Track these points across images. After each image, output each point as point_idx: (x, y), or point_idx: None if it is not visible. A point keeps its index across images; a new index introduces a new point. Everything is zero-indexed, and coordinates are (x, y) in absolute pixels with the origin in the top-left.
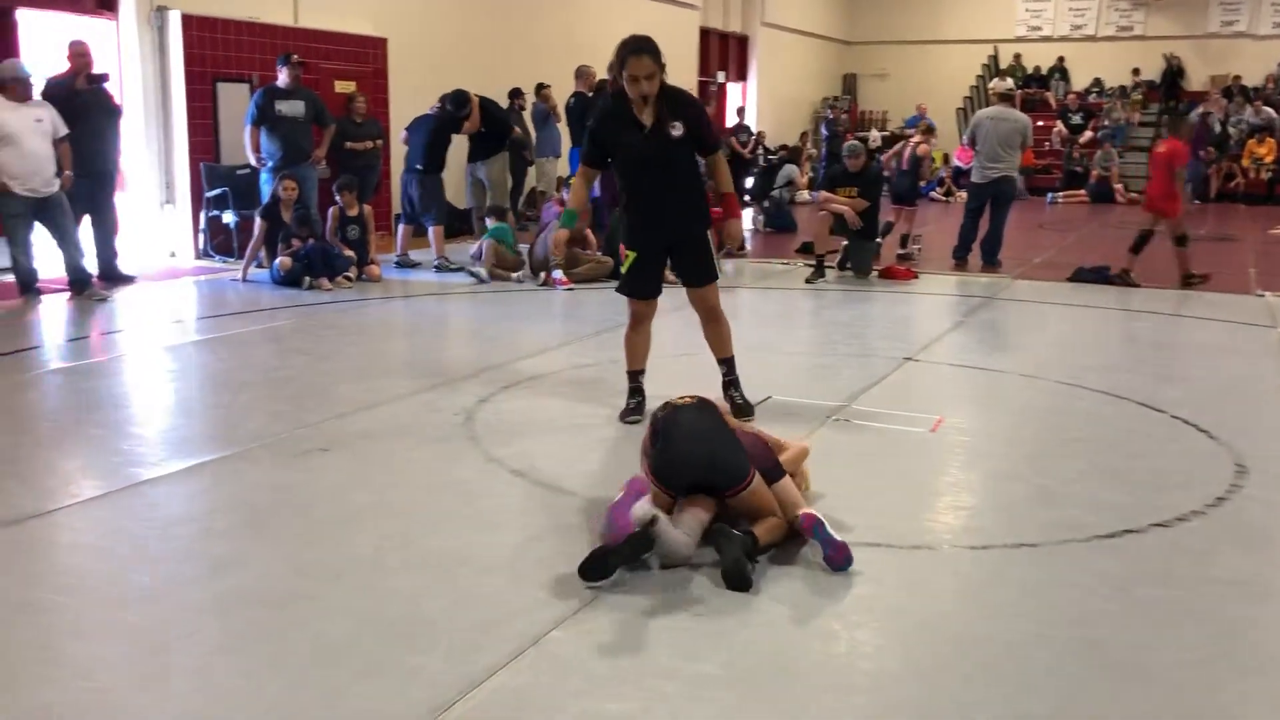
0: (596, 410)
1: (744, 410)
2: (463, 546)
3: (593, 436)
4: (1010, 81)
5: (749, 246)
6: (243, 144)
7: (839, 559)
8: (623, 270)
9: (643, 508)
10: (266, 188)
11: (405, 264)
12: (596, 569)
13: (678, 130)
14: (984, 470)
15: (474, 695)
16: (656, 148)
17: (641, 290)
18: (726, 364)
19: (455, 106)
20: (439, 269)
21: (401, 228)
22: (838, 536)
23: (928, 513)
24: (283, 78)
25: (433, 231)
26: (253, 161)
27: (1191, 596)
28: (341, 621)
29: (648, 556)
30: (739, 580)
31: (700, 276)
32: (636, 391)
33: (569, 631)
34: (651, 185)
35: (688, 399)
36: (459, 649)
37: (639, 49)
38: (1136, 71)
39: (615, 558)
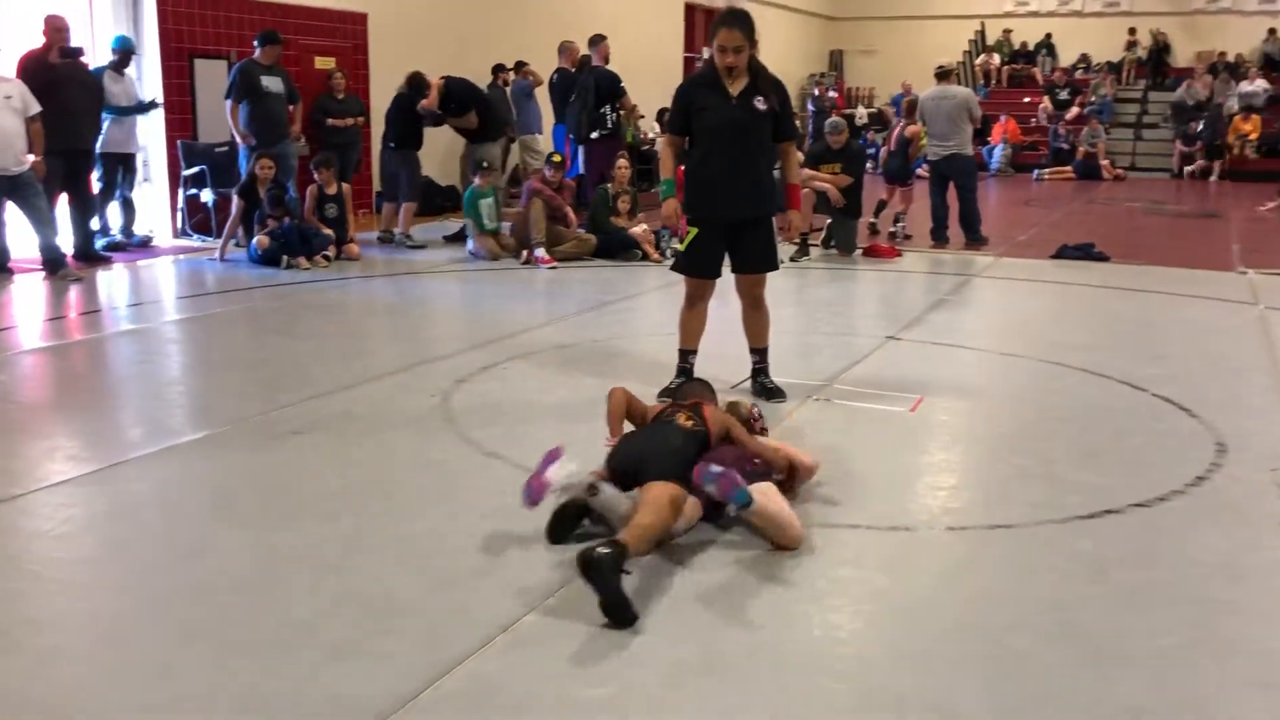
0: (577, 391)
1: (775, 394)
2: (437, 529)
3: (572, 417)
4: (949, 59)
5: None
6: (222, 121)
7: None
8: (680, 247)
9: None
10: (246, 165)
11: (385, 239)
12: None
13: (762, 104)
14: (963, 450)
15: (444, 682)
16: (739, 116)
17: (699, 269)
18: (760, 354)
19: (411, 90)
20: (396, 244)
21: (385, 206)
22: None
23: (906, 493)
24: (264, 54)
25: (402, 208)
26: (239, 139)
27: (1171, 578)
28: (311, 605)
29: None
30: (619, 613)
31: (760, 262)
32: (685, 372)
33: (543, 617)
34: (727, 155)
35: (683, 418)
36: (431, 634)
37: (730, 21)
38: (1132, 31)
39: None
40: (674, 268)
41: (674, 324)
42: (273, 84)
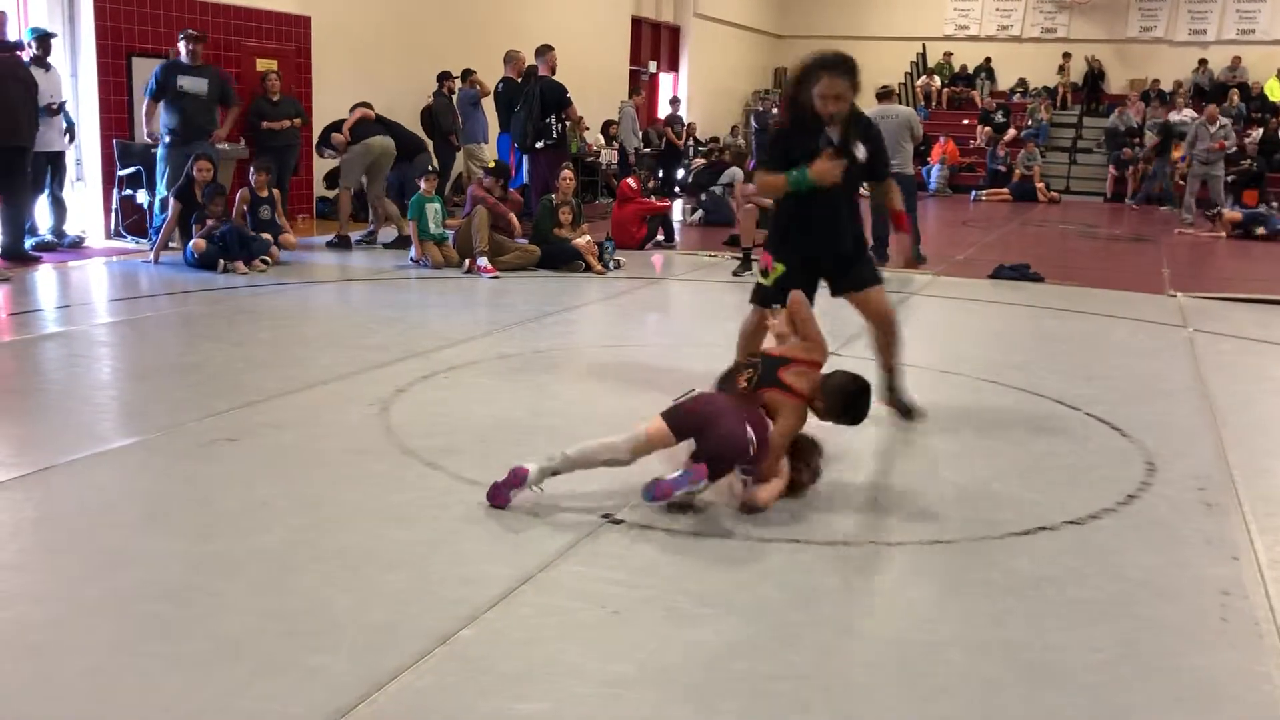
0: (518, 401)
1: (908, 413)
2: (372, 542)
3: (513, 428)
4: (886, 82)
5: (678, 238)
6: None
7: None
8: (765, 281)
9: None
10: (162, 165)
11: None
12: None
13: (862, 152)
14: (901, 466)
15: (377, 697)
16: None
17: (778, 301)
18: (893, 371)
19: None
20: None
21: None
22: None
23: (844, 509)
24: (183, 53)
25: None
26: (147, 137)
27: (1101, 596)
28: (242, 618)
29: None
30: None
31: (868, 277)
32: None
33: (479, 630)
34: (826, 203)
35: (743, 380)
36: (364, 648)
37: (836, 67)
38: (1067, 55)
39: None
40: (754, 299)
41: (614, 335)
42: (191, 84)
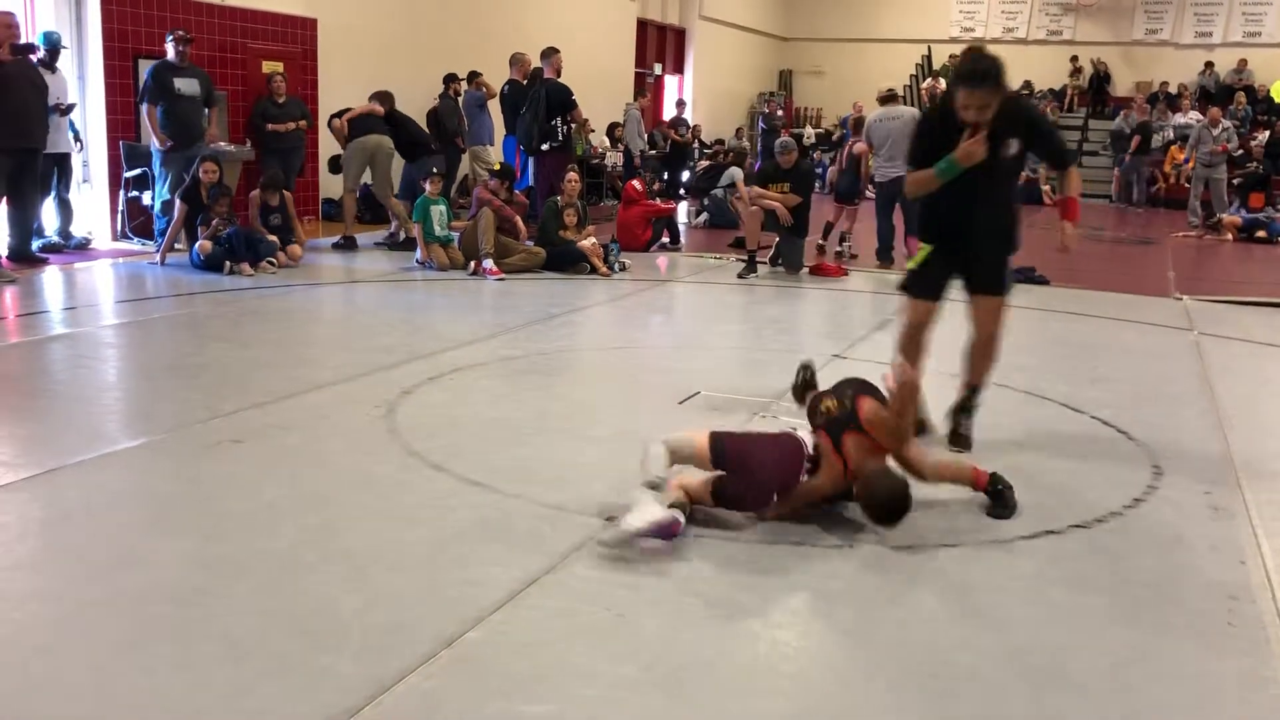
0: (523, 403)
1: (961, 442)
2: (378, 543)
3: (518, 430)
4: (890, 85)
5: (682, 242)
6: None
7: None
8: (910, 265)
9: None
10: (162, 171)
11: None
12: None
13: (1012, 149)
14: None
15: (384, 699)
16: (982, 162)
17: (926, 289)
18: (974, 391)
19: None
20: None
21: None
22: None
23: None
24: (172, 53)
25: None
26: (156, 142)
27: (1108, 600)
28: (248, 619)
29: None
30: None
31: (991, 283)
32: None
33: (485, 632)
34: (966, 198)
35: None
36: (370, 650)
37: (975, 80)
38: (1075, 59)
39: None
40: (900, 287)
41: (620, 338)
42: (186, 85)
